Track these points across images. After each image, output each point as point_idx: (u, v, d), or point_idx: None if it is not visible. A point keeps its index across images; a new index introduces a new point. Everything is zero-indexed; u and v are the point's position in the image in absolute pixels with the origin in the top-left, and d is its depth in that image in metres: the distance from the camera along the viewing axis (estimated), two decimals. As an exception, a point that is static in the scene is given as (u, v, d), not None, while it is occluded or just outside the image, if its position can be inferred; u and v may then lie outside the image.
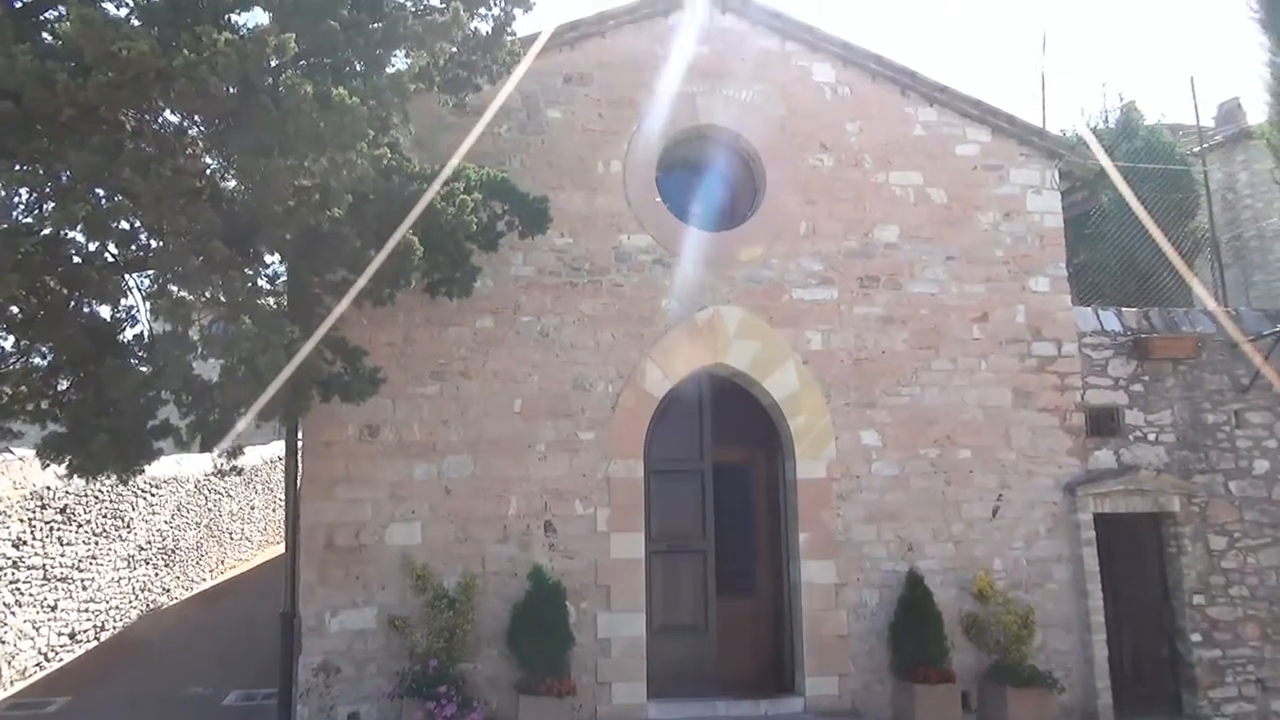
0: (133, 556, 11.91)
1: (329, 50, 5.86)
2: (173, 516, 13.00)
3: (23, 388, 6.31)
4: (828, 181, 8.98)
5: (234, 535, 15.46)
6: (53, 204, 5.73)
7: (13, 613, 9.47)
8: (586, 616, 7.88)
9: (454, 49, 6.79)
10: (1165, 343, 9.05)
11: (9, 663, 9.45)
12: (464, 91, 7.33)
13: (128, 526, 11.73)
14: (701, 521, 8.53)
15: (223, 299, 6.04)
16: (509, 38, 7.29)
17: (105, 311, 6.67)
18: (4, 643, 9.34)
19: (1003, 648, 8.09)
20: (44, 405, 6.42)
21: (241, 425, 6.15)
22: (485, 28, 7.22)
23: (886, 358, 8.74)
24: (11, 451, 8.33)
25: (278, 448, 14.98)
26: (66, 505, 10.36)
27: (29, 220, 6.04)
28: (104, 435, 6.01)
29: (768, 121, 8.99)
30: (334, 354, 6.75)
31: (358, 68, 6.30)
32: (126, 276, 6.59)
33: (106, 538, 11.22)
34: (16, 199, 6.02)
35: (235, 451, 7.05)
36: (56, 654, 10.23)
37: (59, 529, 10.23)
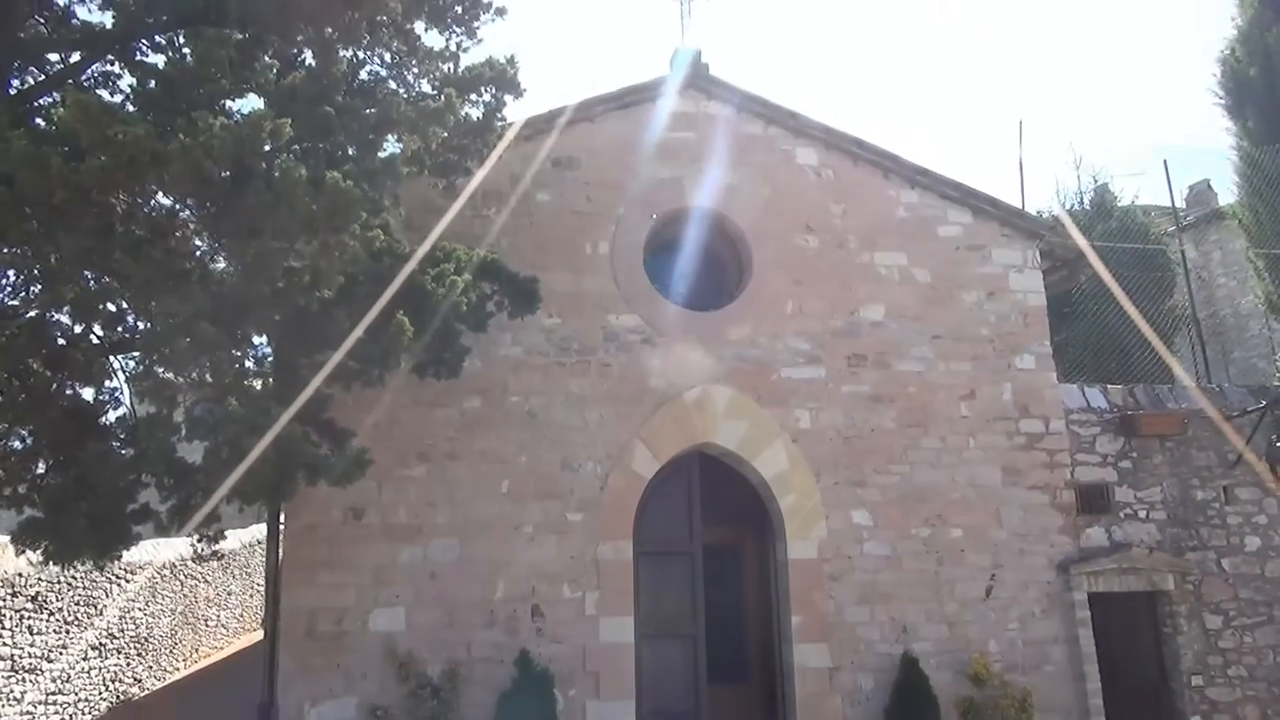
0: (104, 645, 11.54)
1: (323, 134, 5.93)
2: (147, 603, 12.65)
3: (0, 471, 6.18)
4: (813, 262, 9.09)
5: (209, 622, 15.03)
6: (40, 286, 5.70)
7: (-23, 707, 9.10)
8: (575, 704, 7.65)
9: (445, 134, 6.89)
10: (1152, 419, 9.09)
11: (-30, 760, 9.05)
12: (454, 175, 7.40)
13: (99, 613, 11.39)
14: (692, 604, 8.37)
15: (209, 380, 5.98)
16: (499, 123, 7.41)
17: (88, 394, 6.58)
18: (-34, 739, 8.96)
19: (1000, 733, 7.91)
20: (21, 490, 6.27)
21: (225, 509, 6.02)
22: (476, 113, 7.33)
23: (875, 436, 8.73)
24: (-16, 537, 8.12)
25: (256, 531, 14.71)
26: (38, 593, 10.07)
27: (15, 303, 6.00)
28: (82, 520, 5.87)
29: (753, 203, 9.13)
30: (321, 436, 6.66)
31: (350, 152, 6.38)
32: (111, 358, 6.53)
33: (77, 625, 10.88)
34: (4, 281, 5.99)
35: (216, 536, 6.90)
36: (21, 750, 9.81)
37: (29, 617, 9.91)
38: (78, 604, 10.91)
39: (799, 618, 8.18)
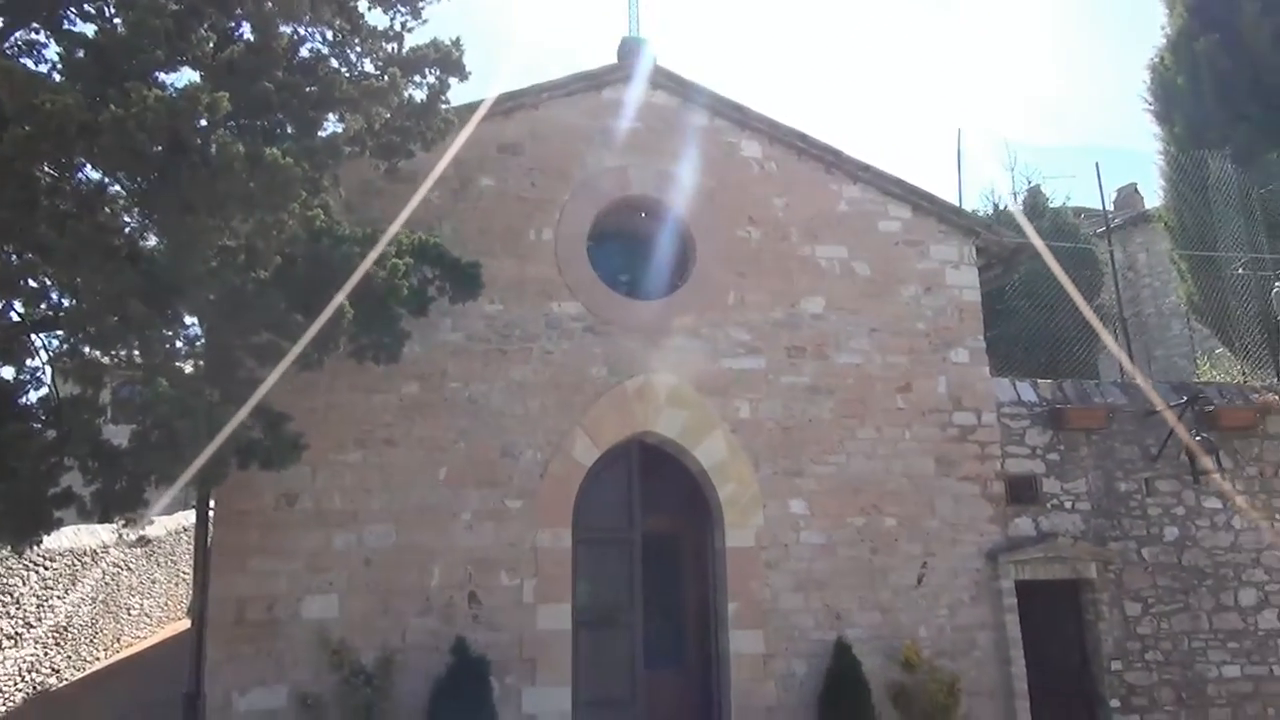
0: (19, 634, 11.15)
1: (262, 111, 5.80)
2: (66, 591, 12.24)
3: (-87, 452, 5.92)
4: (756, 253, 9.16)
5: (133, 611, 14.62)
6: (-43, 260, 5.48)
7: (-116, 698, 8.72)
8: (511, 691, 7.63)
9: (388, 114, 6.78)
10: (1079, 413, 9.37)
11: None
12: (397, 157, 7.29)
13: (15, 601, 11.00)
14: (630, 592, 8.39)
15: (138, 360, 5.81)
16: (444, 105, 7.31)
17: (8, 373, 6.34)
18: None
19: (929, 717, 8.09)
20: (-65, 473, 6.02)
21: (160, 496, 5.87)
22: (420, 95, 7.23)
23: (814, 426, 8.84)
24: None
25: (183, 518, 14.33)
26: (-49, 580, 9.68)
27: (-70, 276, 5.75)
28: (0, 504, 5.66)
29: (697, 194, 9.16)
30: (254, 419, 6.52)
31: (289, 129, 6.24)
32: (33, 336, 6.30)
33: (-7, 614, 10.48)
34: (-82, 254, 5.74)
35: (142, 522, 6.71)
36: (-69, 743, 9.43)
37: (-59, 606, 9.53)
38: (-6, 591, 10.51)
39: (735, 605, 8.27)
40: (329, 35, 6.82)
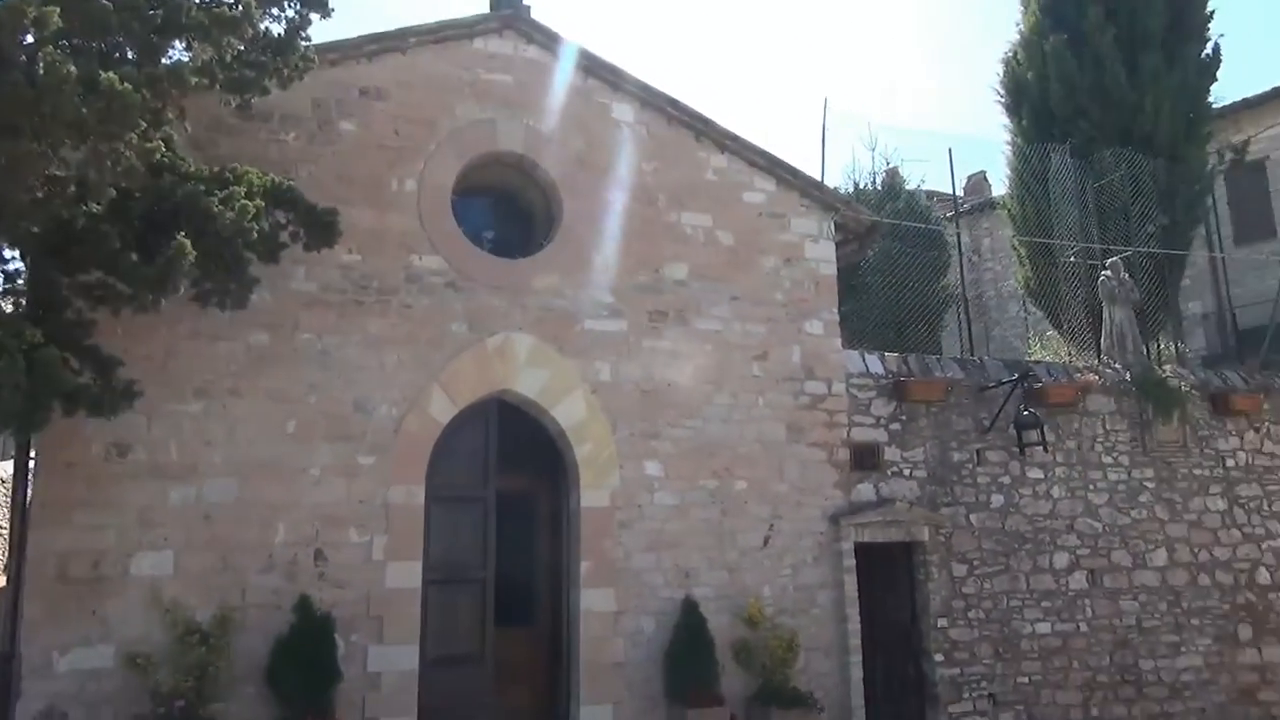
0: None
1: (99, 32, 5.38)
2: None
3: None
4: (622, 217, 9.18)
5: (-56, 567, 13.55)
6: None
7: None
8: (356, 649, 7.50)
9: (241, 46, 6.41)
10: (920, 386, 9.87)
11: None
12: (250, 92, 6.88)
13: None
14: (483, 550, 8.36)
15: (-51, 295, 5.35)
16: (303, 42, 6.98)
17: None
18: None
19: (769, 671, 8.45)
20: None
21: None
22: (277, 29, 6.88)
23: (672, 391, 8.99)
24: None
25: (1, 469, 13.35)
26: None
27: None
28: None
29: (567, 154, 9.10)
30: (82, 363, 6.12)
31: (130, 55, 5.83)
32: None
33: None
34: None
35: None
36: None
37: None
38: None
39: (588, 563, 8.36)
40: (177, -44, 6.38)
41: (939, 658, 9.40)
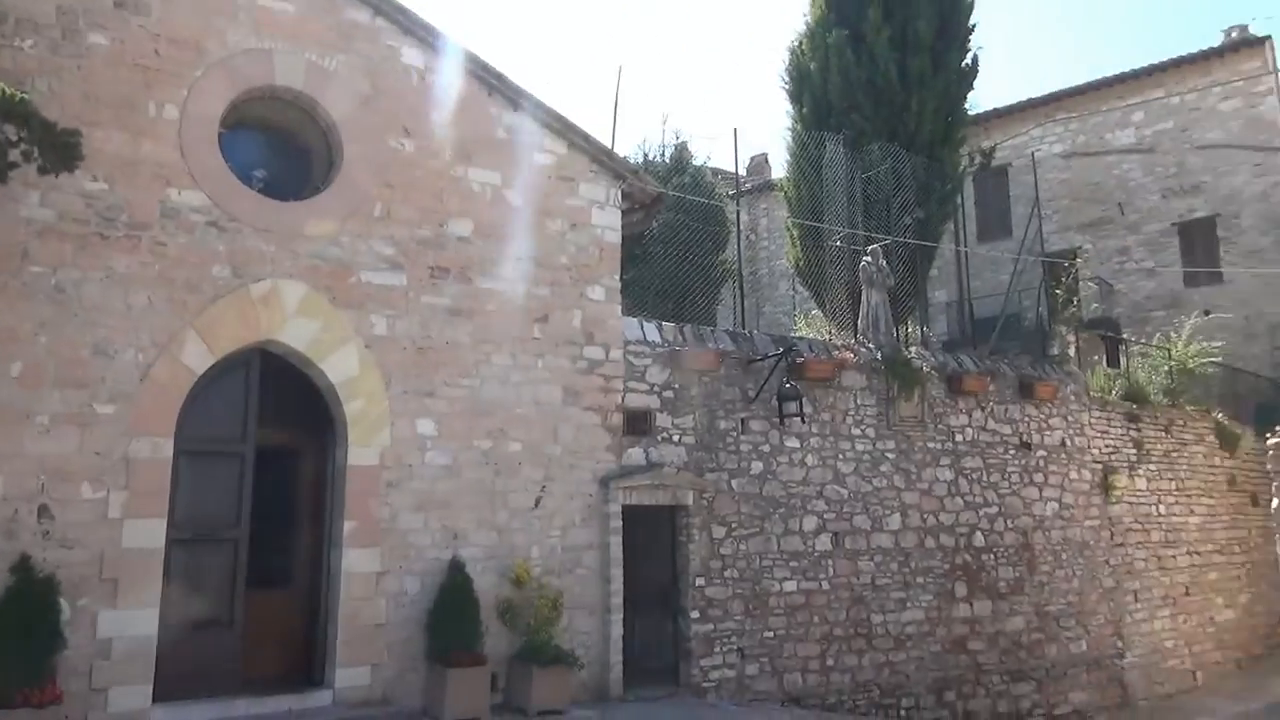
0: None
1: None
2: None
3: None
4: (407, 167, 8.87)
5: None
6: None
7: None
8: (84, 615, 6.91)
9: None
10: (694, 356, 10.25)
11: None
12: (-25, -13, 6.07)
13: None
14: (238, 507, 7.92)
15: None
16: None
17: None
18: None
19: (533, 630, 8.57)
20: None
21: None
22: (12, -82, 6.06)
23: (450, 349, 8.84)
24: None
25: None
26: None
27: None
28: None
29: (350, 95, 8.66)
30: None
31: None
32: None
33: None
34: None
35: None
36: None
37: None
38: None
39: (352, 523, 8.12)
40: None
41: (695, 615, 9.90)
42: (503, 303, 9.21)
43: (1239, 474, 16.64)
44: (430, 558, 8.44)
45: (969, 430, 12.48)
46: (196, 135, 7.87)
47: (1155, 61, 20.62)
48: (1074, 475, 13.48)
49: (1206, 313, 18.61)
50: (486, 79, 9.41)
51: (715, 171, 16.09)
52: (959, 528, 12.12)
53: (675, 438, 10.13)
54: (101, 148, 7.27)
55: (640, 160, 14.71)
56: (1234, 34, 20.82)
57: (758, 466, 10.63)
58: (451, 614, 8.14)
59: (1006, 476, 12.68)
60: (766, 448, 10.74)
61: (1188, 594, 14.97)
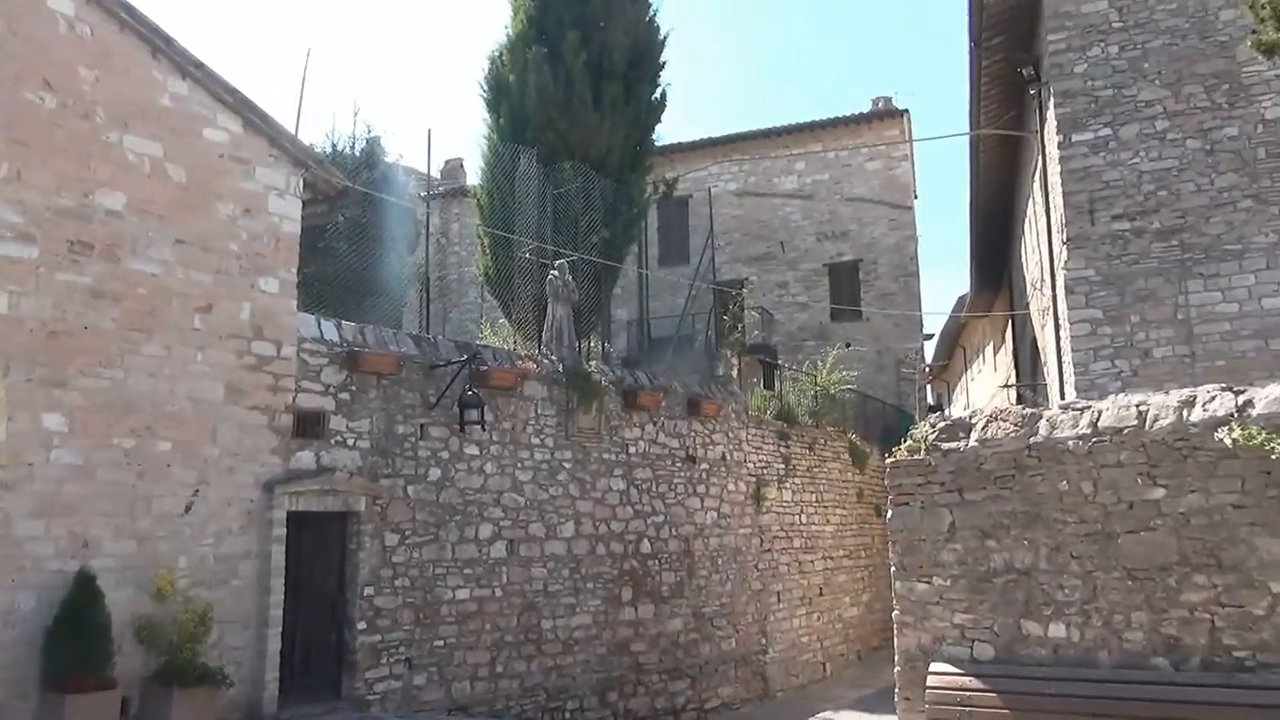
0: None
1: None
2: None
3: None
4: (47, 126, 7.80)
5: None
6: None
7: None
8: None
9: None
10: (373, 358, 9.90)
11: None
12: None
13: None
14: None
15: None
16: None
17: None
18: None
19: (175, 648, 7.81)
20: None
21: None
22: None
23: (90, 335, 7.86)
24: None
25: None
26: None
27: None
28: None
29: (-24, 33, 7.47)
30: None
31: None
32: None
33: None
34: None
35: None
36: None
37: None
38: None
39: (-50, 531, 6.96)
40: None
41: (362, 625, 9.53)
42: (158, 288, 8.35)
43: (866, 488, 18.94)
44: (51, 570, 7.41)
45: (641, 443, 13.14)
46: None
47: (817, 119, 23.16)
48: (731, 487, 14.63)
49: (847, 345, 21.07)
50: (153, 40, 8.53)
51: (409, 170, 15.75)
52: (628, 535, 12.70)
53: (350, 441, 9.72)
54: None
55: (328, 150, 14.02)
56: (880, 104, 23.87)
57: (436, 473, 10.47)
58: (73, 632, 7.20)
59: (673, 487, 13.50)
60: (445, 454, 10.61)
61: (821, 594, 16.78)
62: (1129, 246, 12.88)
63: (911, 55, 74.36)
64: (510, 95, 15.37)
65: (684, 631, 13.31)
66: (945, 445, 7.83)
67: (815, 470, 17.13)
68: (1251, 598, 6.46)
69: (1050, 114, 13.76)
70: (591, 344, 15.14)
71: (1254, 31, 6.95)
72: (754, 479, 15.16)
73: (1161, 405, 6.97)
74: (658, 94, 16.49)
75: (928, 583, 7.73)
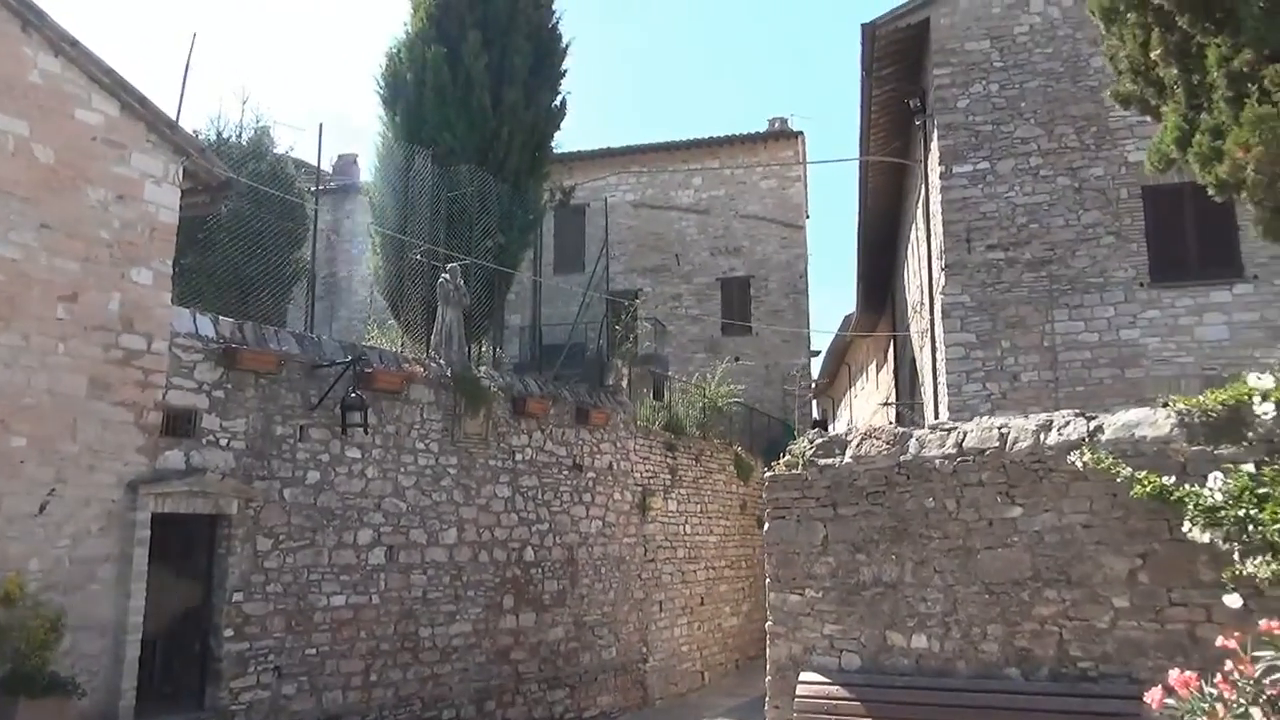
0: None
1: None
2: None
3: None
4: (-102, 95, 7.31)
5: None
6: None
7: None
8: None
9: None
10: (252, 356, 9.58)
11: None
12: None
13: None
14: None
15: None
16: None
17: None
18: None
19: (23, 656, 7.37)
20: None
21: None
22: None
23: (-61, 321, 7.38)
24: None
25: None
26: None
27: None
28: None
29: None
30: None
31: None
32: None
33: None
34: None
35: None
36: None
37: None
38: None
39: None
40: None
41: (229, 633, 9.19)
42: (18, 274, 7.90)
43: (749, 500, 19.31)
44: (-120, 572, 6.92)
45: (529, 450, 13.09)
46: None
47: (715, 135, 23.57)
48: (617, 496, 14.71)
49: (737, 359, 21.48)
50: (23, 12, 8.08)
51: (298, 164, 15.29)
52: (512, 543, 12.62)
53: (224, 441, 9.38)
54: None
55: (213, 139, 13.49)
56: (777, 124, 24.47)
57: (314, 476, 10.20)
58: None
59: (559, 495, 13.48)
60: (326, 457, 10.35)
61: (703, 604, 17.02)
62: (1002, 275, 13.56)
63: (809, 79, 76.55)
64: (408, 94, 15.13)
65: (565, 640, 13.30)
66: (822, 461, 8.07)
67: (701, 481, 17.38)
68: (1096, 612, 6.87)
69: (934, 145, 14.39)
70: (483, 349, 15.01)
71: (1115, 82, 7.43)
72: (640, 489, 15.28)
73: (1021, 428, 7.36)
74: (558, 101, 16.50)
75: (800, 594, 7.96)
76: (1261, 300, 12.65)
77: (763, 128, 24.20)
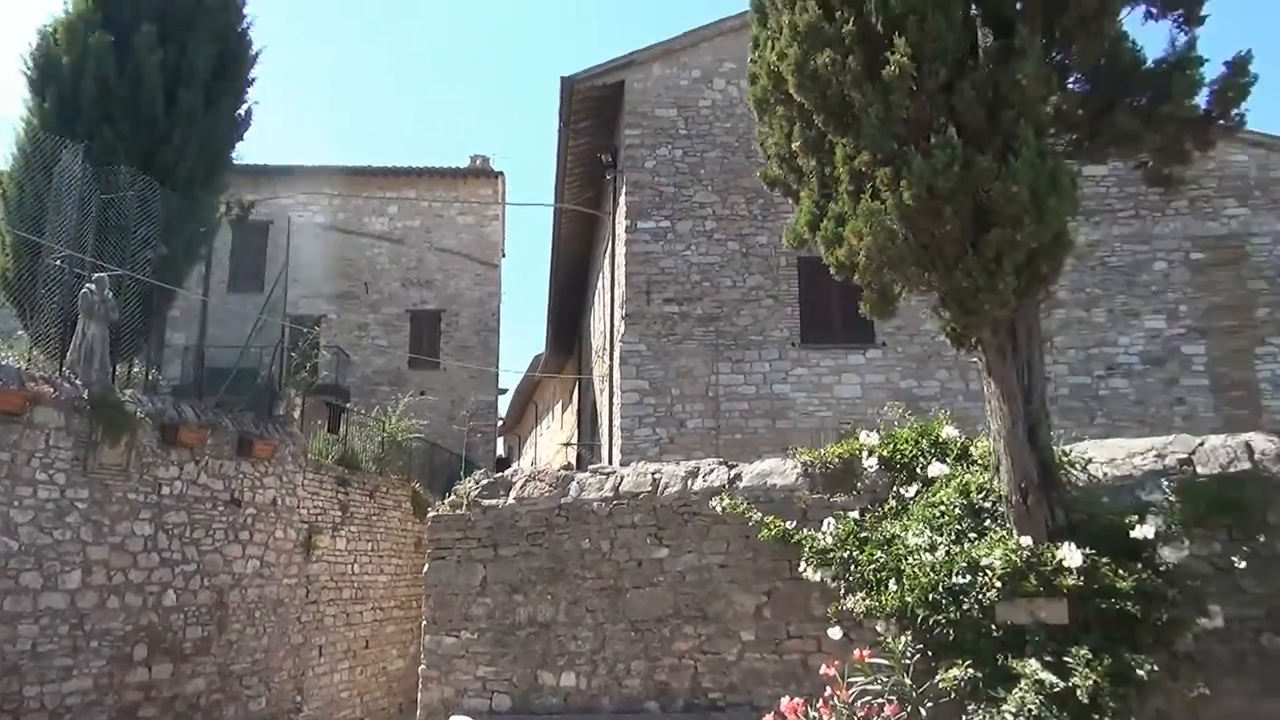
0: None
1: None
2: None
3: None
4: None
5: None
6: None
7: None
8: None
9: None
10: None
11: None
12: None
13: None
14: None
15: None
16: None
17: None
18: None
19: None
20: None
21: None
22: None
23: None
24: None
25: None
26: None
27: None
28: None
29: None
30: None
31: None
32: None
33: None
34: None
35: None
36: None
37: None
38: None
39: None
40: None
41: None
42: None
43: (425, 538, 18.92)
44: None
45: (179, 483, 11.95)
46: None
47: (414, 165, 23.25)
48: (280, 534, 13.82)
49: (422, 393, 21.12)
50: None
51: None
52: (150, 586, 11.40)
53: None
54: None
55: None
56: (478, 161, 24.62)
57: (-107, 509, 8.64)
58: None
59: (211, 533, 12.42)
60: (-89, 486, 8.81)
61: (368, 646, 16.35)
62: (676, 327, 14.51)
63: (514, 122, 77.90)
64: (62, 80, 13.49)
65: (206, 692, 12.18)
66: (486, 502, 8.12)
67: (374, 518, 16.80)
68: (726, 645, 7.45)
69: (622, 199, 15.18)
70: (136, 369, 13.56)
71: (765, 165, 8.26)
72: (306, 525, 14.47)
73: (672, 474, 7.86)
74: (243, 110, 15.48)
75: (455, 636, 7.91)
76: (887, 364, 14.55)
77: (464, 164, 24.24)
